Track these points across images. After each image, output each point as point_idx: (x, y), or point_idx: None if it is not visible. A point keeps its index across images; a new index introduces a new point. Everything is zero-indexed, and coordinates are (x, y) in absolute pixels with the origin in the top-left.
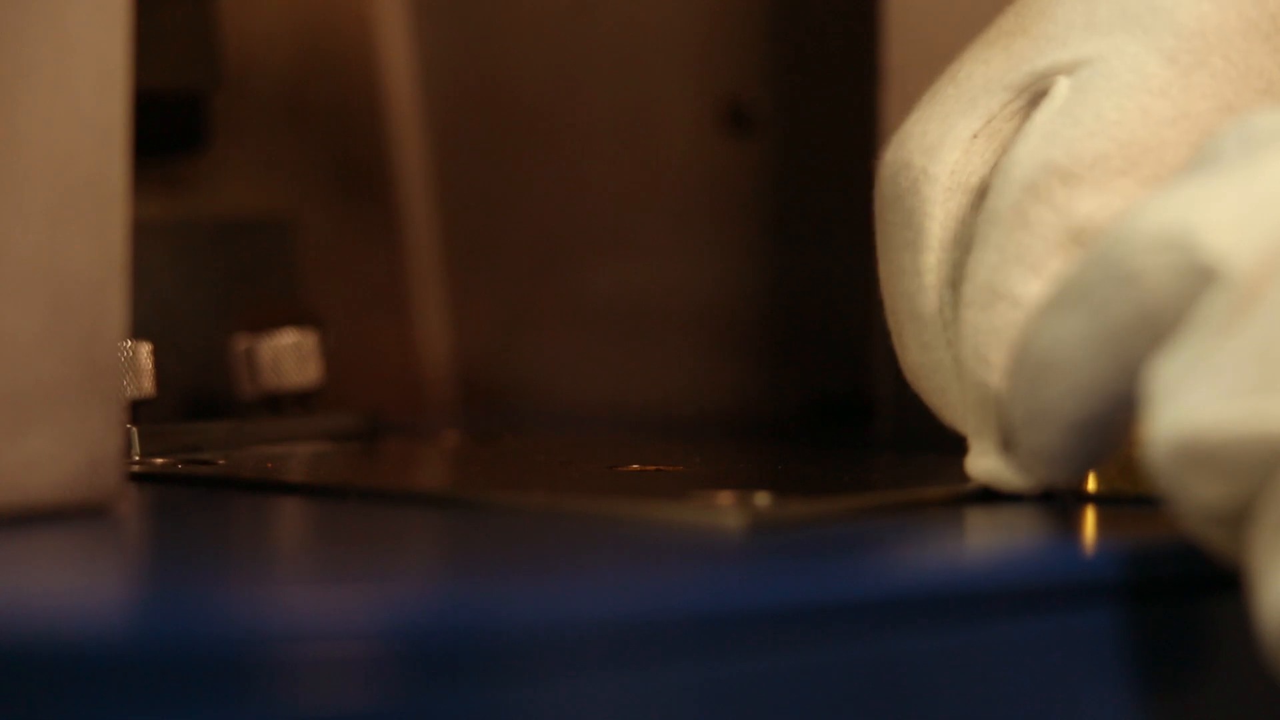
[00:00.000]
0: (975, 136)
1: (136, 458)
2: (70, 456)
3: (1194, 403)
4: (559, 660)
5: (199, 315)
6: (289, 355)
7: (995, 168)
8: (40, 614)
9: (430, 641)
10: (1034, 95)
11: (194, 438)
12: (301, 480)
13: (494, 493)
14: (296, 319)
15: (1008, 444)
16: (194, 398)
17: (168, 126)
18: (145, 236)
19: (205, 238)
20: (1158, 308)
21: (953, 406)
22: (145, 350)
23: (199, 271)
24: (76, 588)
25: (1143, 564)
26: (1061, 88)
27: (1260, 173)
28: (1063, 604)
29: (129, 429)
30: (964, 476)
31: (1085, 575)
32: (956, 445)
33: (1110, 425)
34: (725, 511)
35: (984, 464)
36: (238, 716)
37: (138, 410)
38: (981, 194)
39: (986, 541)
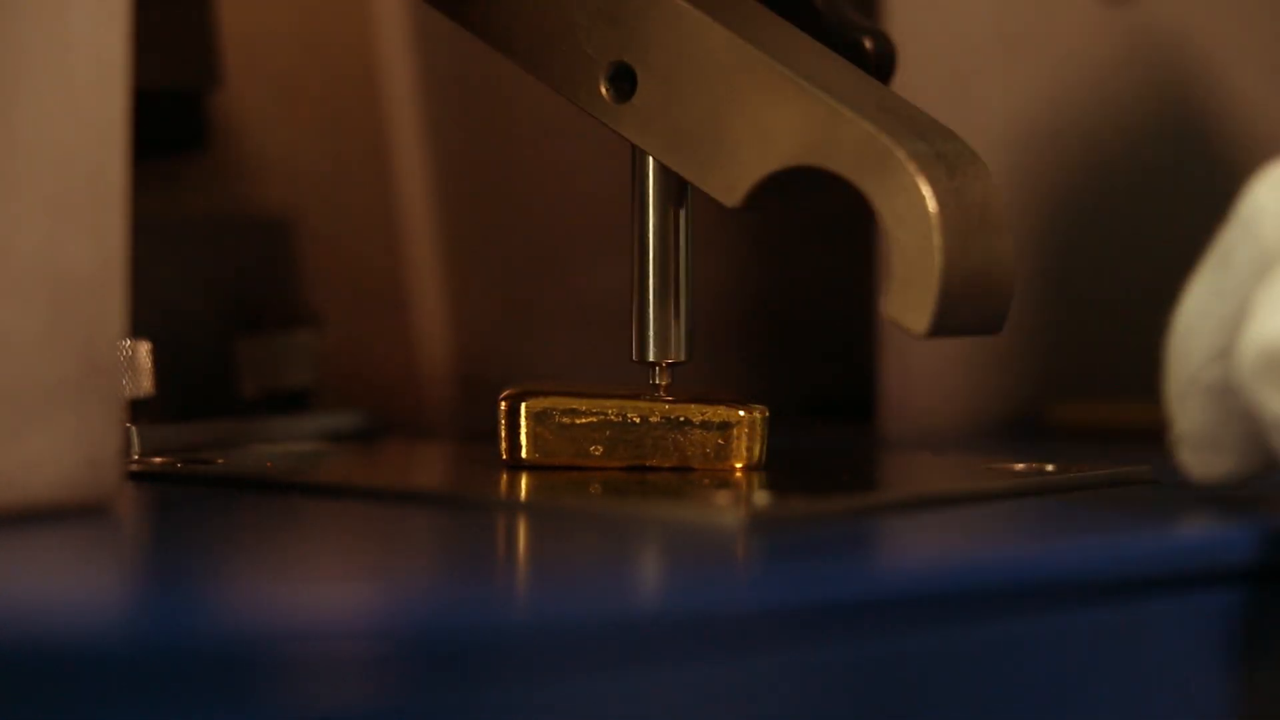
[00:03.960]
0: None
1: (136, 457)
2: (70, 456)
3: (1278, 320)
4: (559, 660)
5: (199, 315)
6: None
7: None
8: (40, 614)
9: (430, 641)
10: None
11: (194, 437)
12: (301, 480)
13: (493, 492)
14: (296, 319)
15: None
16: (194, 398)
17: (168, 126)
18: (145, 236)
19: (205, 238)
20: (1274, 248)
21: None
22: (145, 350)
23: (199, 271)
24: (76, 587)
25: (1142, 563)
26: None
27: None
28: (1061, 602)
29: (129, 428)
30: (962, 476)
31: (1084, 573)
32: (954, 445)
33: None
34: (724, 510)
35: None
36: (238, 716)
37: (138, 410)
38: None
39: (985, 540)
